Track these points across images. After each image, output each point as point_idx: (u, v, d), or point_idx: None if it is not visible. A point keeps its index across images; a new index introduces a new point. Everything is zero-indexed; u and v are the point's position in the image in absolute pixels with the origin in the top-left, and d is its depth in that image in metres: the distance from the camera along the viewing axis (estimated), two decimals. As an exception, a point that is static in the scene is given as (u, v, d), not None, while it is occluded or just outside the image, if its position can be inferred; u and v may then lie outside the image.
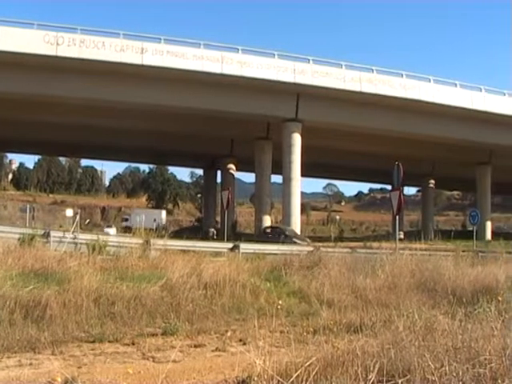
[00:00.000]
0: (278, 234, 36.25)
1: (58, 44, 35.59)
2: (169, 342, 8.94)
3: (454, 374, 5.22)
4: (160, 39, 38.59)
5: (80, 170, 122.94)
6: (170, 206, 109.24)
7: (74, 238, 19.05)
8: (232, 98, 40.51)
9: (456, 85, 47.99)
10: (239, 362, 6.19)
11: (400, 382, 5.24)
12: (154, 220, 33.88)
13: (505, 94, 50.32)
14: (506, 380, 5.09)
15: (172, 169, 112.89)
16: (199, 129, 47.35)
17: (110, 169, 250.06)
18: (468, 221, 42.06)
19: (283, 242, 27.37)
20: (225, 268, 13.45)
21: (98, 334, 9.02)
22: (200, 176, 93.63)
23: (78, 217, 23.32)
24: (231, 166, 58.74)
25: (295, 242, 33.68)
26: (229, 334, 9.41)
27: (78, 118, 44.20)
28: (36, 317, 9.52)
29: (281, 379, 5.11)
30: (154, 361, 7.89)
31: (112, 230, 37.51)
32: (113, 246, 17.50)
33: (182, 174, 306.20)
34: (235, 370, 6.31)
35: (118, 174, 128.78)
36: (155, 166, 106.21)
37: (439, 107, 46.01)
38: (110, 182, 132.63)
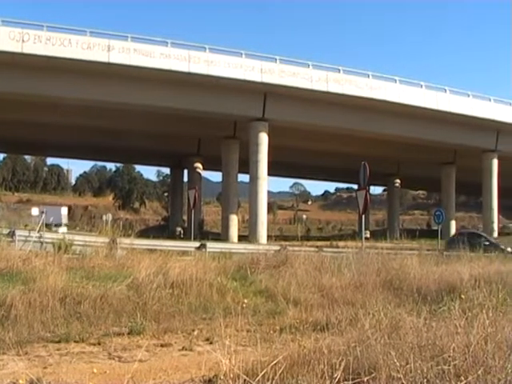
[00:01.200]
0: (478, 241, 30.12)
1: (23, 41, 35.08)
2: (135, 342, 8.89)
3: (419, 371, 5.29)
4: (127, 37, 38.27)
5: (46, 169, 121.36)
6: (136, 204, 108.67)
7: (40, 237, 18.90)
8: (199, 97, 40.39)
9: (421, 86, 48.47)
10: (206, 361, 6.21)
11: (366, 379, 5.29)
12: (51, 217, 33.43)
13: (469, 96, 50.98)
14: (469, 377, 5.16)
15: (139, 167, 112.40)
16: (166, 127, 47.19)
17: (76, 167, 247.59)
18: (433, 220, 42.50)
19: (485, 251, 22.56)
20: (191, 267, 13.42)
21: (63, 334, 8.94)
22: (167, 175, 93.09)
23: (43, 216, 23.11)
24: (198, 164, 58.61)
25: (503, 250, 29.32)
26: (195, 333, 9.40)
27: (44, 115, 43.73)
28: (0, 317, 9.41)
29: (247, 378, 5.13)
30: (120, 360, 7.84)
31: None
32: (79, 245, 17.39)
33: (149, 172, 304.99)
34: (202, 370, 6.31)
35: (85, 172, 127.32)
36: (122, 165, 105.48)
37: (405, 107, 46.43)
38: (76, 181, 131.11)
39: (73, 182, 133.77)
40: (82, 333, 9.01)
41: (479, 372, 5.27)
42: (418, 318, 7.23)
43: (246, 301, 11.22)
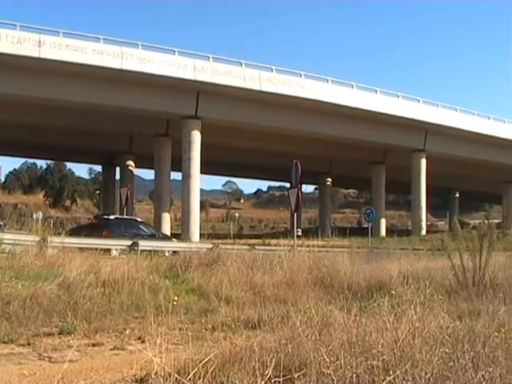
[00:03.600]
0: None
1: (-50, 35, 34.19)
2: (66, 342, 8.75)
3: (349, 367, 5.37)
4: (58, 32, 37.44)
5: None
6: (67, 202, 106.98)
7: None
8: (132, 94, 39.95)
9: (353, 86, 49.11)
10: (137, 360, 6.15)
11: (296, 376, 5.35)
12: None
13: (399, 96, 51.95)
14: (397, 371, 5.27)
15: (70, 165, 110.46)
16: (98, 125, 46.45)
17: (5, 164, 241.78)
18: (363, 218, 43.15)
19: None
20: (123, 265, 13.31)
21: (-9, 335, 8.75)
22: (99, 172, 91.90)
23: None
24: (130, 162, 57.93)
25: None
26: (127, 332, 9.32)
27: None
28: None
29: (179, 376, 5.12)
30: (50, 361, 7.70)
31: None
32: (8, 243, 16.99)
33: (81, 170, 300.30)
34: (133, 369, 6.28)
35: (14, 169, 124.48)
36: (53, 162, 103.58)
37: (336, 107, 46.97)
38: (5, 178, 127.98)
39: (2, 179, 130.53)
40: (11, 333, 8.80)
41: (407, 366, 5.39)
42: (349, 315, 7.34)
43: (178, 299, 11.18)
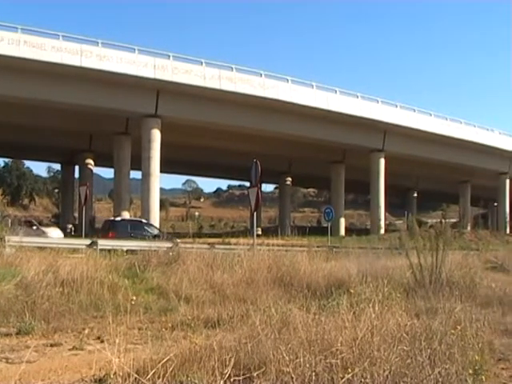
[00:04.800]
0: None
1: None
2: (24, 342, 8.63)
3: (308, 366, 5.41)
4: (17, 28, 36.86)
5: None
6: (26, 201, 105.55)
7: None
8: (91, 92, 39.54)
9: (313, 86, 49.32)
10: (96, 361, 6.11)
11: (256, 374, 5.37)
12: None
13: (358, 97, 52.35)
14: (355, 369, 5.32)
15: (28, 163, 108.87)
16: (57, 122, 45.88)
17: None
18: (323, 217, 43.39)
19: None
20: (82, 265, 13.19)
21: None
22: (58, 171, 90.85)
23: None
24: (90, 161, 57.41)
25: None
26: (86, 331, 9.23)
27: None
28: None
29: (138, 376, 5.11)
30: (7, 362, 7.57)
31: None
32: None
33: (39, 168, 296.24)
34: (92, 369, 6.21)
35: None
36: (11, 160, 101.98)
37: (296, 107, 47.14)
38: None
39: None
40: (-32, 334, 8.68)
41: (365, 364, 5.44)
42: (308, 314, 7.37)
43: (137, 298, 11.12)
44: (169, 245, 20.74)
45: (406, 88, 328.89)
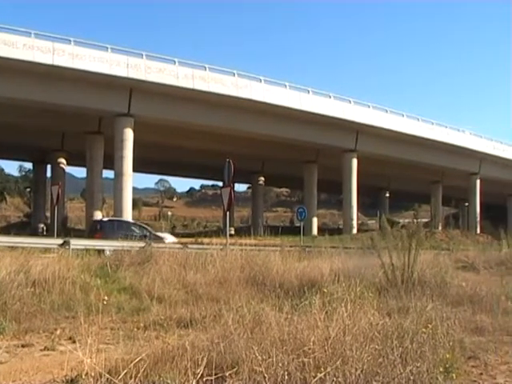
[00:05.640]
0: None
1: None
2: (-6, 343, 8.56)
3: (281, 365, 5.42)
4: (-13, 26, 36.67)
5: None
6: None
7: None
8: (63, 91, 39.24)
9: (286, 86, 49.44)
10: (68, 361, 6.07)
11: (228, 374, 5.37)
12: None
13: (331, 97, 52.57)
14: (328, 368, 5.35)
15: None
16: (29, 121, 45.42)
17: None
18: (296, 217, 43.51)
19: None
20: (54, 265, 13.09)
21: None
22: (30, 170, 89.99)
23: None
24: (62, 160, 57.03)
25: None
26: (58, 332, 9.14)
27: None
28: None
29: (110, 376, 5.09)
30: (-23, 363, 7.52)
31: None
32: None
33: (11, 167, 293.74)
34: (64, 369, 6.18)
35: None
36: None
37: (270, 107, 47.24)
38: None
39: None
40: None
41: (338, 363, 5.47)
42: (281, 313, 7.39)
43: (110, 298, 11.07)
44: (141, 244, 20.68)
45: (379, 88, 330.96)
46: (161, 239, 30.20)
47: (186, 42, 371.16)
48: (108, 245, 23.20)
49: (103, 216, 47.52)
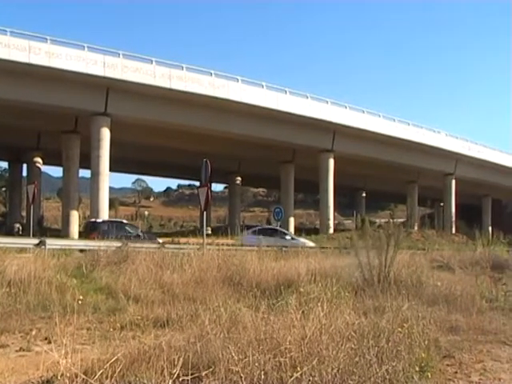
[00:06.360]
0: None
1: None
2: (-31, 344, 8.49)
3: (257, 364, 5.43)
4: (-38, 24, 36.30)
5: None
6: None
7: None
8: (40, 90, 38.90)
9: (263, 86, 49.47)
10: (44, 362, 6.03)
11: (204, 373, 5.38)
12: None
13: (308, 97, 52.65)
14: (304, 367, 5.37)
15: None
16: (4, 120, 44.95)
17: None
18: (272, 217, 43.55)
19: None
20: (30, 265, 13.00)
21: None
22: (5, 169, 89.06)
23: None
24: (38, 159, 56.56)
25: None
26: (34, 332, 9.08)
27: None
28: None
29: (86, 377, 5.07)
30: (-49, 364, 7.45)
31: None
32: None
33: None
34: (40, 370, 6.14)
35: None
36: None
37: (247, 107, 47.23)
38: None
39: None
40: None
41: (314, 362, 5.49)
42: (257, 313, 7.39)
43: (86, 298, 11.02)
44: (118, 244, 20.60)
45: (355, 88, 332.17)
46: (155, 239, 30.61)
47: (163, 42, 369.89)
48: (83, 244, 23.10)
49: (79, 216, 47.30)
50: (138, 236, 30.15)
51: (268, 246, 20.96)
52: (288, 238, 34.01)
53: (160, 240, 29.63)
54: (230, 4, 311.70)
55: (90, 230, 32.36)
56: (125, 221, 36.94)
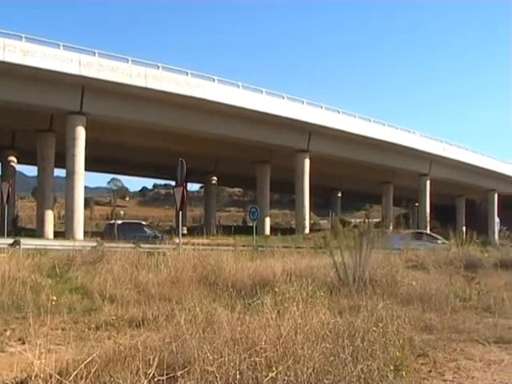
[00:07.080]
0: None
1: None
2: None
3: (232, 364, 5.44)
4: None
5: None
6: None
7: None
8: (14, 88, 38.55)
9: (239, 86, 49.53)
10: (18, 362, 5.99)
11: (180, 374, 5.38)
12: None
13: (284, 97, 52.81)
14: (279, 367, 5.39)
15: None
16: (-23, 118, 44.75)
17: None
18: (248, 217, 43.63)
19: None
20: (4, 265, 12.90)
21: None
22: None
23: None
24: (12, 158, 56.03)
25: None
26: (8, 333, 8.99)
27: None
28: None
29: (60, 378, 5.05)
30: None
31: None
32: None
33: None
34: (14, 371, 6.09)
35: None
36: None
37: (223, 106, 47.23)
38: None
39: None
40: None
41: (289, 362, 5.51)
42: (233, 313, 7.41)
43: (61, 298, 10.95)
44: (93, 244, 20.56)
45: (333, 89, 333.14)
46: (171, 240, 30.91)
47: (139, 43, 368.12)
48: (59, 244, 22.99)
49: (54, 215, 47.02)
50: (156, 237, 30.47)
51: (243, 246, 21.03)
52: (439, 242, 34.18)
53: (176, 240, 29.69)
54: (206, 3, 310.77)
55: (111, 231, 32.42)
56: (143, 222, 37.20)
